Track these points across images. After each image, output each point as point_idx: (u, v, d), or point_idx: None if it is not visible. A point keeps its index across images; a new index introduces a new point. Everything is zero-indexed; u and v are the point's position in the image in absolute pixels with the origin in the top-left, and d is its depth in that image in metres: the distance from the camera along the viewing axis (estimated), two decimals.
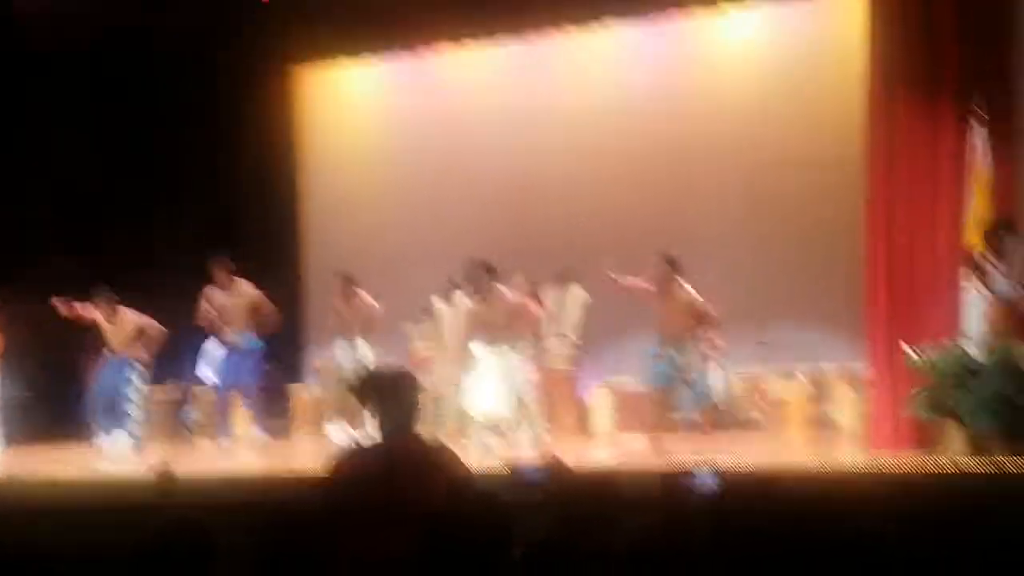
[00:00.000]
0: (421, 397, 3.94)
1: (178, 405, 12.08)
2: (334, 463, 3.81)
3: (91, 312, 10.29)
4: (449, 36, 12.83)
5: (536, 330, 9.61)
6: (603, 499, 3.19)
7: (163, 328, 10.38)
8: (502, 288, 9.16)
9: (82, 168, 12.77)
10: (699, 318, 8.58)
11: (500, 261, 11.58)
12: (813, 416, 9.98)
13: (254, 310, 10.22)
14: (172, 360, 11.34)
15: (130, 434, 10.08)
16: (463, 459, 3.77)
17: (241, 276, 10.45)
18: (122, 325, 10.28)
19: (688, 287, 8.68)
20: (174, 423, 12.00)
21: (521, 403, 8.69)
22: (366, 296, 10.35)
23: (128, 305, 10.44)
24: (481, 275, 8.92)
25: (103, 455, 9.79)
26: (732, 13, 11.99)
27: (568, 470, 3.55)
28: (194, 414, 11.93)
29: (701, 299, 8.65)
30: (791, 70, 11.72)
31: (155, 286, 10.80)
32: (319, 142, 13.98)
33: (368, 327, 10.33)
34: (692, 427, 9.34)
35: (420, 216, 13.09)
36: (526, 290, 10.63)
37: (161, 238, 12.85)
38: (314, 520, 3.12)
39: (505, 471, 3.66)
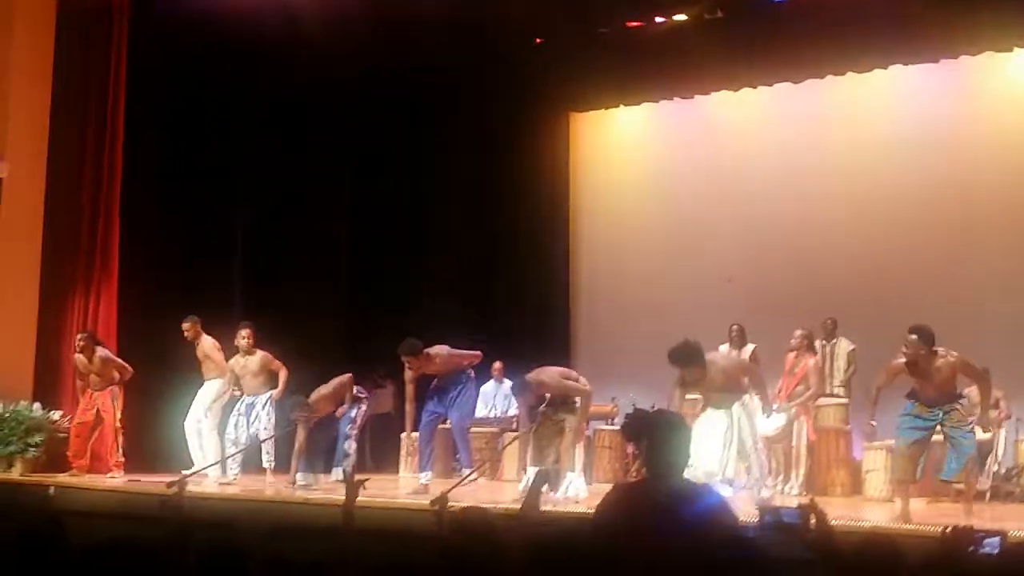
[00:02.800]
0: (688, 442, 3.99)
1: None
2: (603, 499, 3.91)
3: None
4: (724, 83, 12.78)
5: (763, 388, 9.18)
6: (871, 557, 3.11)
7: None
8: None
9: (350, 210, 13.56)
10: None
11: (772, 309, 11.45)
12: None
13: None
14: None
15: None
16: (729, 504, 3.79)
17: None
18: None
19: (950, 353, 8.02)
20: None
21: (742, 460, 8.35)
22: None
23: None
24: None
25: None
26: (1017, 51, 11.37)
27: (826, 518, 3.48)
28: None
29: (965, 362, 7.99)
30: None
31: (423, 327, 11.22)
32: (590, 184, 14.16)
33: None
34: (966, 495, 8.85)
35: (687, 258, 13.04)
36: (804, 345, 10.41)
37: (431, 281, 13.38)
38: (584, 555, 3.21)
39: (761, 513, 3.62)
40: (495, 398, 12.49)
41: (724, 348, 11.34)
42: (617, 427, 10.75)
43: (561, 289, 13.92)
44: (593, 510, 3.93)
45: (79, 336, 10.76)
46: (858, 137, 12.27)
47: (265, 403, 10.34)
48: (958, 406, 7.86)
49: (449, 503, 5.85)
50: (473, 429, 10.96)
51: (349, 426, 10.21)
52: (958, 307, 11.10)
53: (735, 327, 11.27)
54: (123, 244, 11.65)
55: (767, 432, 10.00)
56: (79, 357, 10.66)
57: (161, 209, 11.95)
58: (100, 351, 10.61)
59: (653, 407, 7.53)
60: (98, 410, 10.55)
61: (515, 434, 10.93)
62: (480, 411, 12.18)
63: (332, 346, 12.40)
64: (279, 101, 12.80)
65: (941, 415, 7.82)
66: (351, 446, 10.16)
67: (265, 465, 10.26)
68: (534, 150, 13.82)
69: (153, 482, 8.99)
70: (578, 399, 9.02)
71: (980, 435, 9.83)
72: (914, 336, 7.82)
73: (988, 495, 9.50)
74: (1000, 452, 9.89)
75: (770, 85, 12.62)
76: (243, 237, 13.19)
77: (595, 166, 14.17)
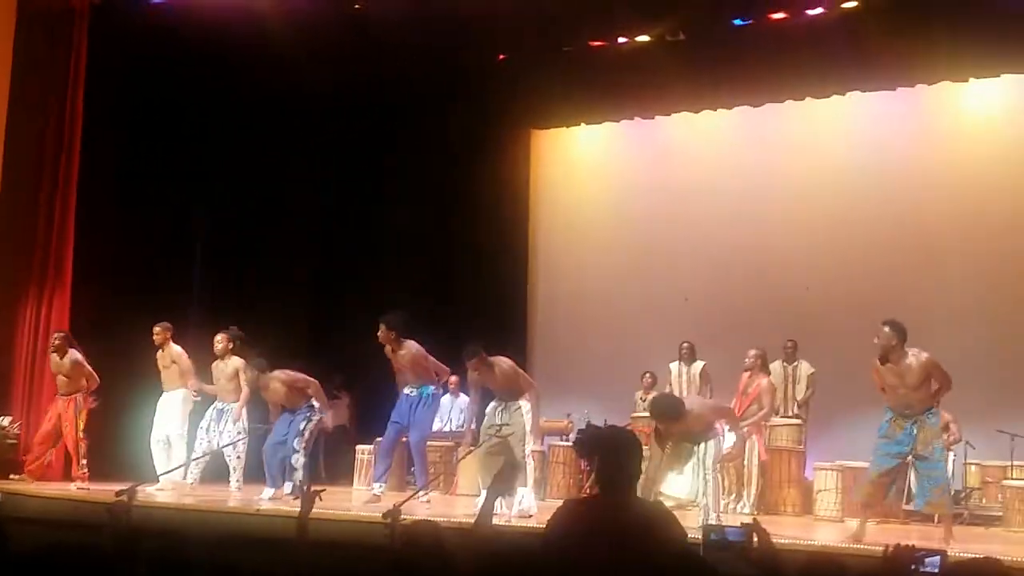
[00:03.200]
0: (640, 459, 4.01)
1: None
2: (554, 514, 3.93)
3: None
4: (685, 105, 12.90)
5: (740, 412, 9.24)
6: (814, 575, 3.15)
7: None
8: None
9: (314, 220, 13.54)
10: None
11: (727, 328, 11.57)
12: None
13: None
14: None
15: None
16: (678, 520, 3.82)
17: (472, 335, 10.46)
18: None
19: (921, 352, 8.08)
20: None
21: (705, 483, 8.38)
22: (503, 364, 9.26)
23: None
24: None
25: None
26: (973, 81, 11.59)
27: (769, 537, 3.53)
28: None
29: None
30: None
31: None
32: (550, 202, 14.23)
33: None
34: (923, 516, 8.95)
35: (646, 277, 13.12)
36: (757, 365, 10.55)
37: (390, 290, 13.38)
38: (533, 569, 3.23)
39: (706, 531, 3.66)
40: (450, 412, 12.47)
41: (674, 365, 11.44)
42: (571, 443, 10.78)
43: (519, 304, 13.93)
44: (544, 525, 3.94)
45: (55, 335, 10.59)
46: (815, 162, 12.43)
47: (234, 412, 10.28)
48: (932, 417, 7.81)
49: (401, 516, 5.84)
50: (428, 443, 10.92)
51: (297, 439, 10.02)
52: (912, 331, 11.22)
53: (685, 344, 11.37)
54: (79, 247, 11.52)
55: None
56: (53, 356, 10.49)
57: (119, 212, 11.84)
58: (72, 353, 10.38)
59: (606, 423, 7.59)
60: (60, 416, 10.35)
61: (469, 449, 10.92)
62: (435, 424, 12.14)
63: (291, 353, 12.31)
64: (240, 106, 12.74)
65: (915, 432, 7.78)
66: (299, 460, 10.02)
67: (232, 486, 10.18)
68: (496, 165, 13.86)
69: (102, 490, 8.88)
70: (524, 402, 8.94)
71: None
72: (887, 328, 7.85)
73: (937, 517, 9.61)
74: (950, 475, 10.01)
75: (730, 108, 12.76)
76: (202, 242, 13.12)
77: (556, 183, 14.23)
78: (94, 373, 10.45)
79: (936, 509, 8.15)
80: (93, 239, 11.59)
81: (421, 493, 8.41)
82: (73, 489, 9.87)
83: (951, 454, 10.14)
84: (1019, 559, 6.46)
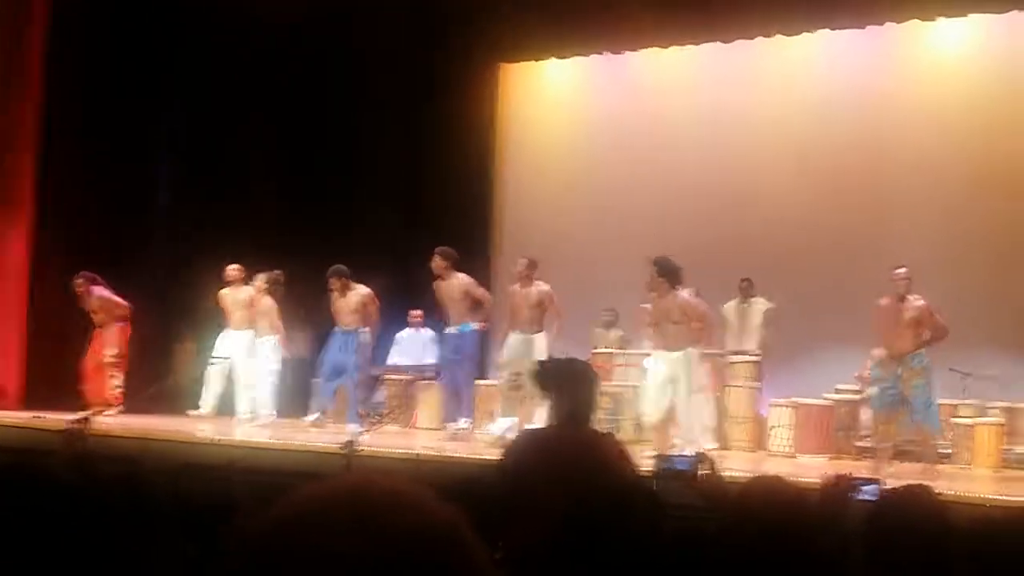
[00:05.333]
0: (599, 393, 4.07)
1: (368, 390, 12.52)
2: (508, 446, 3.98)
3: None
4: (656, 39, 12.83)
5: (710, 339, 9.41)
6: (753, 500, 3.21)
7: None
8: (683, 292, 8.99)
9: (284, 158, 13.43)
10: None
11: (695, 265, 11.62)
12: (1005, 452, 9.56)
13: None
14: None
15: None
16: (632, 453, 3.87)
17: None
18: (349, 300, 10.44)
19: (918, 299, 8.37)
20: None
21: (685, 409, 8.60)
22: (543, 285, 9.68)
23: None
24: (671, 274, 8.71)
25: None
26: (941, 21, 11.63)
27: (716, 466, 3.61)
28: (380, 398, 12.34)
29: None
30: (998, 82, 11.32)
31: (352, 271, 11.27)
32: (518, 137, 14.16)
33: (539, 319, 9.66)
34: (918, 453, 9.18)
35: (612, 214, 13.13)
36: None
37: (360, 225, 13.35)
38: (485, 500, 3.27)
39: (657, 461, 3.73)
40: (411, 345, 12.49)
41: (731, 305, 11.49)
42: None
43: (484, 239, 13.92)
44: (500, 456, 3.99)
45: (75, 281, 10.70)
46: (784, 99, 12.44)
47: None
48: (915, 360, 8.18)
49: (358, 448, 5.88)
50: (387, 376, 10.99)
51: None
52: (875, 269, 11.34)
53: (744, 281, 11.34)
54: (42, 192, 11.39)
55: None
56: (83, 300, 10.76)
57: (84, 160, 11.68)
58: (96, 291, 10.72)
59: (565, 356, 7.61)
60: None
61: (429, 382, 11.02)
62: (394, 358, 12.19)
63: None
64: (206, 50, 12.58)
65: (900, 373, 8.18)
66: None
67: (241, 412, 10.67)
68: (464, 98, 13.75)
69: (56, 418, 8.87)
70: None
71: None
72: (902, 269, 8.33)
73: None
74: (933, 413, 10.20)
75: (699, 44, 12.71)
76: (168, 188, 12.99)
77: (523, 117, 14.17)
78: (122, 301, 10.79)
79: (917, 440, 8.54)
80: (55, 183, 11.44)
81: (378, 421, 8.50)
82: (29, 417, 9.89)
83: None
84: (962, 494, 6.62)
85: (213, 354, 10.85)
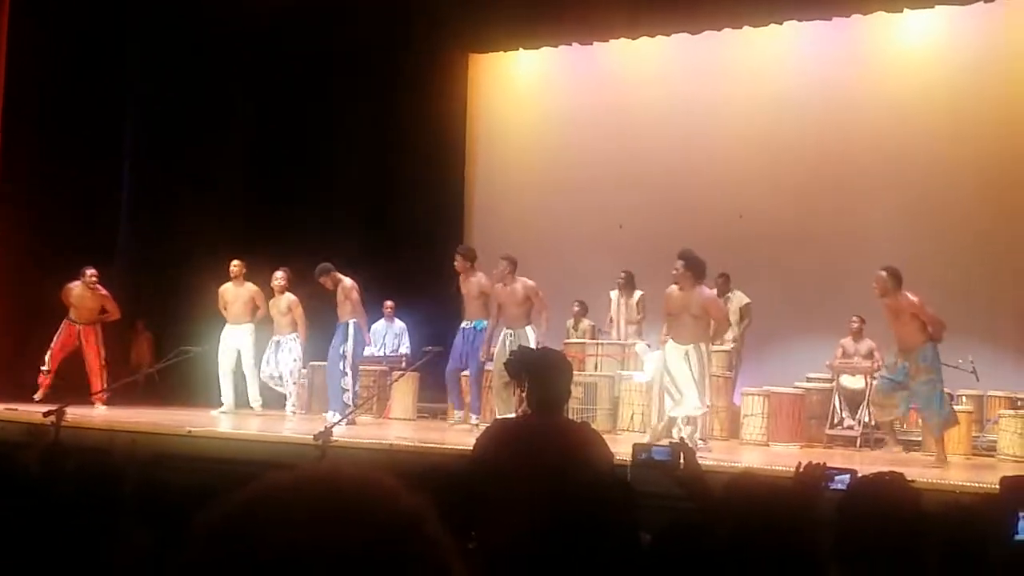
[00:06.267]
0: (571, 382, 4.07)
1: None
2: (483, 434, 3.98)
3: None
4: (625, 30, 12.81)
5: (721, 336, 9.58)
6: (736, 493, 3.23)
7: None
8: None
9: (253, 151, 13.36)
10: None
11: (661, 257, 11.65)
12: (974, 439, 9.66)
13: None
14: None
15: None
16: (606, 442, 3.88)
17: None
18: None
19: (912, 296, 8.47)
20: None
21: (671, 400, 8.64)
22: (527, 281, 9.90)
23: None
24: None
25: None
26: (907, 13, 11.69)
27: (694, 456, 3.61)
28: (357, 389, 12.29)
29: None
30: (964, 73, 11.40)
31: (318, 259, 11.24)
32: (488, 127, 14.15)
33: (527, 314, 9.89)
34: (845, 441, 9.19)
35: (581, 204, 13.14)
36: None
37: (330, 218, 13.30)
38: (459, 488, 3.26)
39: (635, 450, 3.73)
40: (384, 336, 12.46)
41: (614, 294, 11.52)
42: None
43: (455, 229, 13.88)
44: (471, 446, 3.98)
45: (91, 274, 10.76)
46: (752, 90, 12.48)
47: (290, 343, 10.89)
48: (923, 357, 8.28)
49: (332, 438, 5.87)
50: (361, 367, 10.97)
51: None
52: (843, 259, 11.46)
53: (623, 273, 11.44)
54: (4, 174, 11.29)
55: (647, 376, 10.27)
56: (83, 290, 10.78)
57: (46, 132, 11.56)
58: (102, 289, 10.86)
59: (539, 345, 7.64)
60: (81, 343, 10.79)
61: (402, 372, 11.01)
62: (368, 349, 12.14)
63: (223, 279, 12.24)
64: (177, 35, 12.49)
65: (908, 367, 8.36)
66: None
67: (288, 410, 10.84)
68: (433, 89, 13.71)
69: (29, 411, 8.80)
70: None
71: (855, 384, 10.24)
72: (883, 272, 8.33)
73: (859, 441, 9.89)
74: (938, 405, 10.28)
75: (668, 35, 12.72)
76: (134, 172, 12.89)
77: (493, 108, 14.15)
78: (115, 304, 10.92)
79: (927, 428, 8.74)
80: (19, 156, 11.32)
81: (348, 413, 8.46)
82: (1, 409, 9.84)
83: (875, 381, 10.38)
84: (934, 481, 6.68)
85: (220, 349, 10.79)
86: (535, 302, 9.76)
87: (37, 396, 10.32)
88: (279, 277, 10.83)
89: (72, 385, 10.38)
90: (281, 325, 10.93)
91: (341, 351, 10.29)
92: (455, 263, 10.12)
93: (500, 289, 9.78)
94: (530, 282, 9.76)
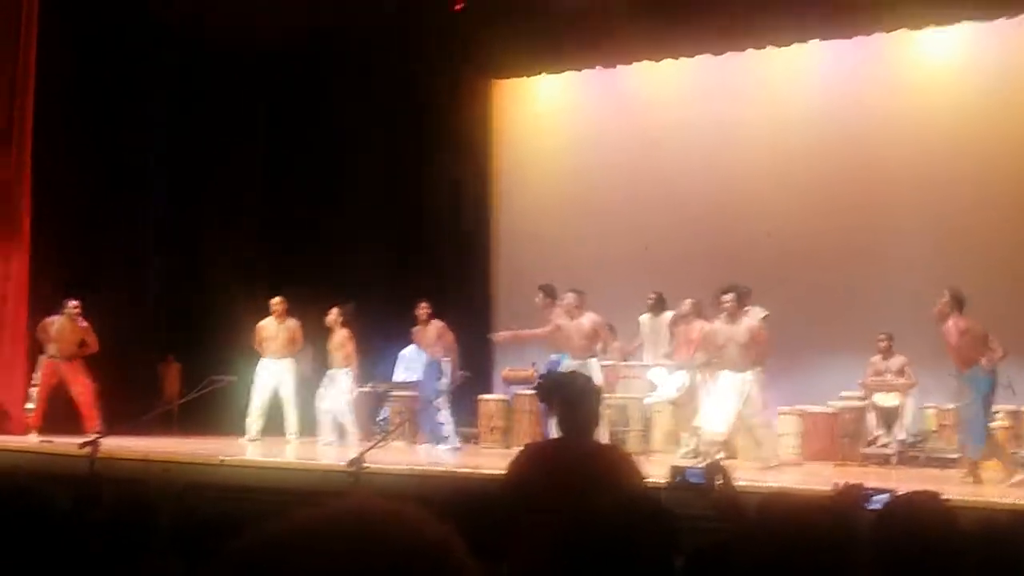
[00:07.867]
0: (601, 405, 4.06)
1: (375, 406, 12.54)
2: (515, 459, 3.97)
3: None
4: (648, 53, 12.83)
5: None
6: (772, 514, 3.20)
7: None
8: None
9: (277, 177, 13.46)
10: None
11: (688, 278, 11.63)
12: (1011, 455, 9.53)
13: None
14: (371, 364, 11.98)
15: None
16: (636, 464, 3.86)
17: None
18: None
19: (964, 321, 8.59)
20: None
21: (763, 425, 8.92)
22: (593, 316, 10.08)
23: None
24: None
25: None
26: (930, 31, 11.65)
27: (731, 478, 3.59)
28: (386, 414, 12.34)
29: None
30: (987, 89, 11.34)
31: (344, 290, 11.33)
32: (512, 152, 14.16)
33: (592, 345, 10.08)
34: (879, 459, 9.10)
35: (607, 227, 13.12)
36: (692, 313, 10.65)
37: (355, 243, 13.36)
38: (491, 513, 3.26)
39: (671, 472, 3.71)
40: (415, 363, 12.46)
41: (644, 317, 11.50)
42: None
43: (482, 255, 13.93)
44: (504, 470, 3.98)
45: (73, 304, 10.71)
46: (776, 110, 12.45)
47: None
48: (968, 379, 8.49)
49: (364, 464, 5.88)
50: (393, 393, 11.02)
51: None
52: (869, 277, 11.39)
53: (653, 295, 11.40)
54: (36, 200, 11.41)
55: (670, 395, 10.25)
56: (64, 323, 10.72)
57: (75, 168, 11.71)
58: (82, 320, 10.75)
59: (568, 370, 7.62)
60: (65, 378, 10.68)
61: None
62: (400, 375, 12.18)
63: (252, 310, 12.33)
64: (197, 69, 12.64)
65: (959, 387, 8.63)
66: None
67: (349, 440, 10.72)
68: (457, 116, 13.76)
69: (66, 443, 8.87)
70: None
71: (888, 402, 10.16)
72: (946, 294, 8.63)
73: (895, 459, 9.80)
74: (907, 418, 10.20)
75: (691, 57, 12.73)
76: (161, 204, 13.04)
77: (517, 133, 14.17)
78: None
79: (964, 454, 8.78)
80: (50, 191, 11.46)
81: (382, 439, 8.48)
82: (35, 440, 9.93)
83: (909, 398, 10.30)
84: (969, 498, 6.60)
85: (255, 384, 10.92)
86: (602, 334, 10.01)
87: (33, 436, 10.28)
88: (334, 313, 10.95)
89: (105, 416, 10.45)
90: (335, 359, 11.04)
91: (436, 387, 10.59)
92: (536, 300, 10.27)
93: (567, 324, 9.90)
94: (596, 316, 9.93)
